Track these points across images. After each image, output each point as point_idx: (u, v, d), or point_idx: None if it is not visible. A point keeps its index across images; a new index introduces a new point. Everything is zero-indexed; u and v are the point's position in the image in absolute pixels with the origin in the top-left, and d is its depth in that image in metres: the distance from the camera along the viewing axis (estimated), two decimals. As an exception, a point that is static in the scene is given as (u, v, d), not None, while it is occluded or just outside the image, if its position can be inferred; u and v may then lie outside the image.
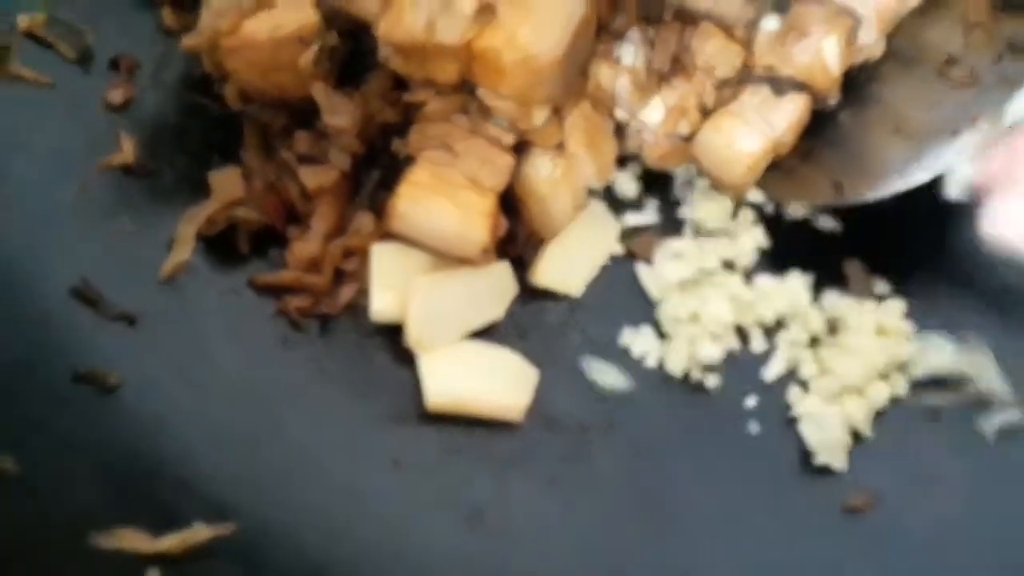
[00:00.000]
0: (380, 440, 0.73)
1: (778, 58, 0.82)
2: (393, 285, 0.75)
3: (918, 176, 0.75)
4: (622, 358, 0.77)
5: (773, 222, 0.82)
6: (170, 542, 0.65)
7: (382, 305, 0.75)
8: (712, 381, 0.76)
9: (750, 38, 0.83)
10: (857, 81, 0.82)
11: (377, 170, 0.77)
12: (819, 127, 0.81)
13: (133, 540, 0.64)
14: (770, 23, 0.81)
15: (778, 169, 0.81)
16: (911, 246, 0.79)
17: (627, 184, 0.84)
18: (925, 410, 0.75)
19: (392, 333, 0.76)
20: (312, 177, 0.74)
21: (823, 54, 0.80)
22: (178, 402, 0.71)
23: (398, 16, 0.68)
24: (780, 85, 0.82)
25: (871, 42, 0.84)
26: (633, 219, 0.83)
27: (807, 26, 0.79)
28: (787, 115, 0.81)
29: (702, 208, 0.82)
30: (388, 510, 0.71)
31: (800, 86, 0.81)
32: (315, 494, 0.71)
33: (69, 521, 0.65)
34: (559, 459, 0.74)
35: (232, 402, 0.72)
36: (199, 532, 0.65)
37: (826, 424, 0.74)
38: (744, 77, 0.82)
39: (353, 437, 0.73)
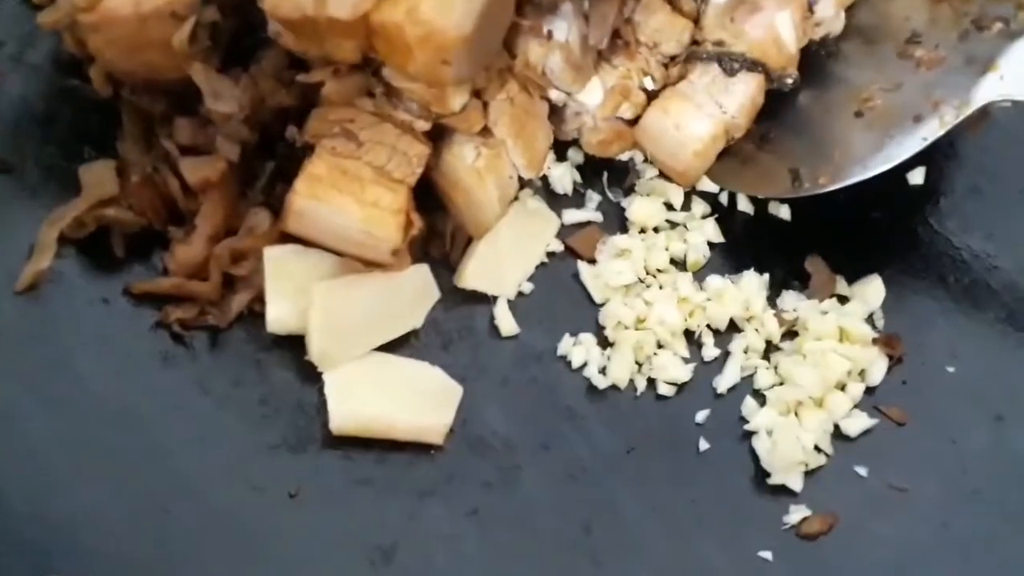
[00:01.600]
0: (276, 470, 0.65)
1: (729, 34, 0.75)
2: (292, 292, 0.67)
3: (880, 165, 0.70)
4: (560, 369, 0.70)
5: (726, 214, 0.75)
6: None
7: (279, 315, 0.67)
8: (660, 391, 0.70)
9: (698, 12, 0.77)
10: (816, 60, 0.76)
11: (272, 160, 0.68)
12: (776, 110, 0.76)
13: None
14: (719, -6, 0.74)
15: (731, 156, 0.76)
16: (873, 238, 0.73)
17: (564, 176, 0.76)
18: (888, 423, 0.68)
19: (292, 346, 0.68)
20: (195, 170, 0.65)
21: (777, 29, 0.75)
22: (36, 429, 0.62)
23: (284, -13, 0.60)
24: (731, 63, 0.75)
25: (830, 16, 0.77)
26: (572, 215, 0.76)
27: None
28: (739, 96, 0.75)
29: (644, 203, 0.75)
30: (283, 550, 0.63)
31: (753, 64, 0.75)
32: (199, 533, 0.62)
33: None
34: (483, 486, 0.66)
35: (102, 427, 0.63)
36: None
37: (782, 440, 0.67)
38: (692, 55, 0.76)
39: (244, 467, 0.65)
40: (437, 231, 0.72)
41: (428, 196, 0.70)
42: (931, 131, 0.68)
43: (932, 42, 0.72)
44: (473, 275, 0.72)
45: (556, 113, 0.76)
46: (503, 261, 0.72)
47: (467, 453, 0.67)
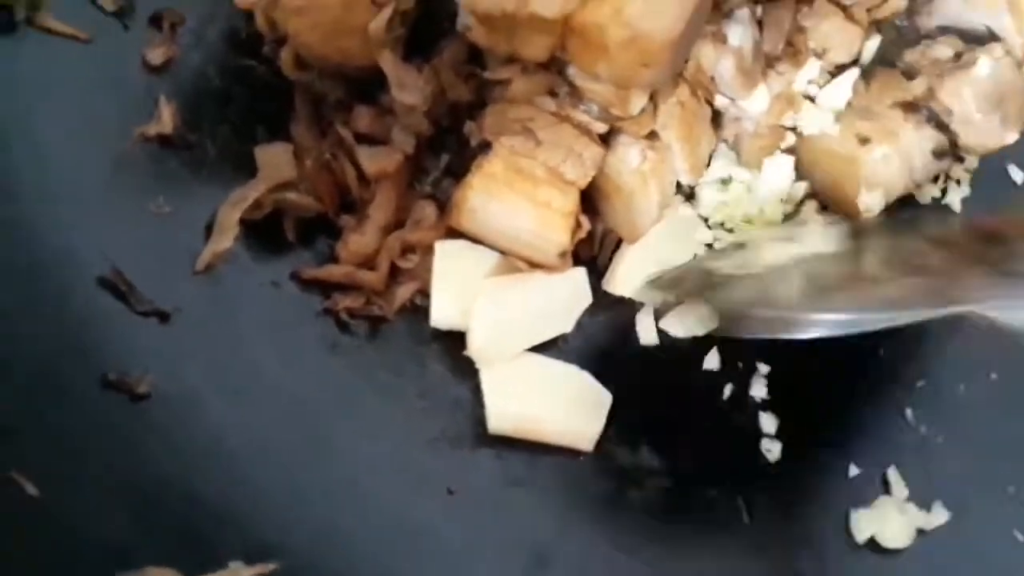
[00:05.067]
0: (435, 464, 0.65)
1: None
2: (457, 288, 0.66)
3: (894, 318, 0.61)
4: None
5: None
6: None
7: (443, 309, 0.66)
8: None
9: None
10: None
11: (445, 155, 0.67)
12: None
13: (164, 582, 0.56)
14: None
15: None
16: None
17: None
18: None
19: (451, 341, 0.67)
20: (373, 159, 0.65)
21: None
22: (213, 415, 0.62)
23: (487, -20, 0.59)
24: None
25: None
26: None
27: None
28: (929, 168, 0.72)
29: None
30: (444, 547, 0.63)
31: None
32: (364, 526, 0.63)
33: (93, 556, 0.56)
34: (629, 493, 0.66)
35: (273, 415, 0.63)
36: (238, 573, 0.57)
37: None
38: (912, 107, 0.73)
39: (405, 460, 0.64)
40: (589, 233, 0.71)
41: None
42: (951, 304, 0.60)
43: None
44: (623, 281, 0.70)
45: (715, 119, 0.75)
46: (653, 269, 0.71)
47: (613, 459, 0.66)
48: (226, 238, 0.64)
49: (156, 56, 0.67)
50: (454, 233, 0.67)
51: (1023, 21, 0.75)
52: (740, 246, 0.71)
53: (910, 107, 0.75)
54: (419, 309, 0.67)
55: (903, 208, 0.74)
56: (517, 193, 0.64)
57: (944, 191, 0.78)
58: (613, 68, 0.59)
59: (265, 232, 0.67)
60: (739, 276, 0.67)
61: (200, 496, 0.60)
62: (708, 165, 0.74)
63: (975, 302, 0.59)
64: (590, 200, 0.70)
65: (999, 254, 0.66)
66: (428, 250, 0.66)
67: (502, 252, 0.67)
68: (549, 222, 0.64)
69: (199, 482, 0.60)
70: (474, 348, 0.66)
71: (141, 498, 0.59)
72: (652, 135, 0.69)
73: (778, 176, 0.75)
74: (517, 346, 0.67)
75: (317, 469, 0.63)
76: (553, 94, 0.64)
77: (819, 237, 0.69)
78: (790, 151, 0.75)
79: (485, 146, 0.64)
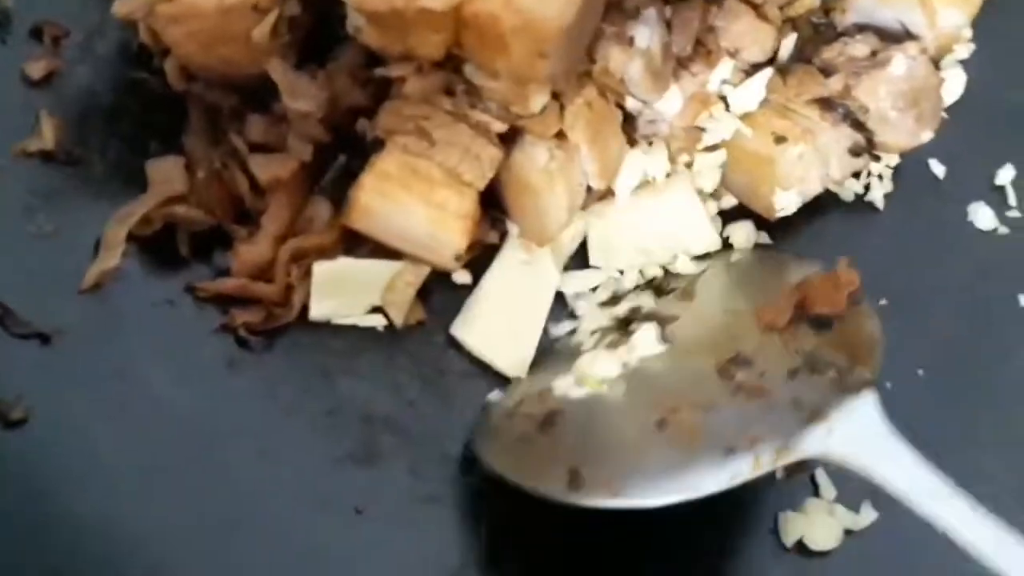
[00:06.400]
0: (342, 484, 0.62)
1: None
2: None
3: (676, 493, 0.58)
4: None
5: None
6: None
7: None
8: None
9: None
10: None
11: (342, 156, 0.66)
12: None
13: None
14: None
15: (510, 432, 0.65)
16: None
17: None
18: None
19: (360, 354, 0.65)
20: (265, 167, 0.63)
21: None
22: (99, 440, 0.60)
23: (373, -22, 0.57)
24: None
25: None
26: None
27: None
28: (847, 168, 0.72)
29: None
30: (351, 570, 0.60)
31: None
32: (264, 550, 0.60)
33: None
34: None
35: (165, 439, 0.61)
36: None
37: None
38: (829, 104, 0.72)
39: (310, 480, 0.62)
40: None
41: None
42: (742, 470, 0.58)
43: (758, 370, 0.63)
44: (471, 327, 0.68)
45: (629, 122, 0.73)
46: (501, 316, 0.69)
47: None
48: (112, 255, 0.61)
49: (36, 70, 0.65)
50: (350, 233, 0.65)
51: (933, 15, 0.75)
52: (576, 349, 0.69)
53: (827, 104, 0.74)
54: (324, 324, 0.65)
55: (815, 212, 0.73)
56: (412, 194, 0.62)
57: (867, 187, 0.77)
58: (509, 62, 0.58)
59: (160, 248, 0.64)
60: (566, 411, 0.64)
61: (87, 524, 0.57)
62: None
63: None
64: (500, 200, 0.69)
65: (817, 345, 0.63)
66: (323, 255, 0.64)
67: (398, 252, 0.65)
68: (444, 224, 0.62)
69: (84, 509, 0.57)
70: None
71: (25, 526, 0.55)
72: (561, 136, 0.68)
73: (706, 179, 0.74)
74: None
75: (214, 493, 0.60)
76: (450, 93, 0.62)
77: (649, 338, 0.67)
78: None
79: (379, 144, 0.63)
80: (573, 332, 0.71)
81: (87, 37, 0.67)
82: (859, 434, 0.58)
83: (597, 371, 0.66)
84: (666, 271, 0.73)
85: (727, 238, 0.74)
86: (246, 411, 0.62)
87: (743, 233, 0.74)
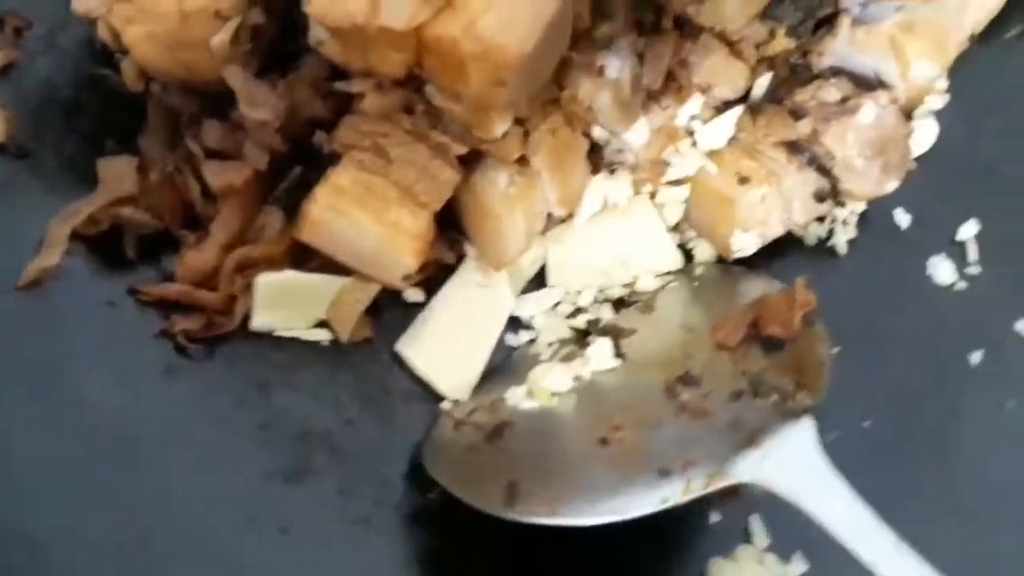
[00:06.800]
0: (270, 500, 0.61)
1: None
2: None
3: (606, 514, 0.58)
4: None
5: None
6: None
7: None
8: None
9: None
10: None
11: (298, 167, 0.65)
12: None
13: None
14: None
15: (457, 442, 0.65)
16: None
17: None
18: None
19: (300, 368, 0.65)
20: (218, 174, 0.62)
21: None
22: (24, 439, 0.59)
23: (336, -9, 0.57)
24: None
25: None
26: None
27: None
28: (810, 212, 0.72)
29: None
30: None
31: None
32: (187, 563, 0.59)
33: None
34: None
35: (93, 444, 0.60)
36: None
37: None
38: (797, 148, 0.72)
39: (238, 494, 0.61)
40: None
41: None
42: (673, 493, 0.57)
43: (704, 390, 0.63)
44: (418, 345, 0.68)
45: (596, 151, 0.73)
46: (450, 337, 0.69)
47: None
48: (53, 253, 0.61)
49: (-6, 59, 0.64)
50: (300, 246, 0.64)
51: (907, 67, 0.75)
52: (533, 360, 0.68)
53: (794, 147, 0.74)
54: (267, 335, 0.64)
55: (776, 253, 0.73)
56: (365, 211, 0.62)
57: (830, 232, 0.76)
58: (469, 87, 0.57)
59: (107, 248, 0.64)
60: (515, 423, 0.64)
61: (10, 531, 0.56)
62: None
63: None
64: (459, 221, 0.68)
65: (764, 367, 0.63)
66: (271, 266, 0.64)
67: (349, 267, 0.64)
68: (395, 243, 0.62)
69: (6, 513, 0.56)
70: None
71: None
72: (523, 161, 0.68)
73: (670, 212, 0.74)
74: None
75: (137, 503, 0.60)
76: (410, 112, 0.62)
77: (603, 352, 0.67)
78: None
79: (335, 158, 0.62)
80: (532, 342, 0.70)
81: (50, 30, 0.66)
82: (792, 462, 0.58)
83: (549, 384, 0.66)
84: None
85: (691, 249, 0.74)
86: (179, 419, 0.62)
87: (707, 246, 0.74)
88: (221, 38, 0.59)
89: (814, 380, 0.61)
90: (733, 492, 0.61)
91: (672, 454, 0.59)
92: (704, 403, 0.62)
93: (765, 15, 0.72)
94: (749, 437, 0.59)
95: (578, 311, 0.72)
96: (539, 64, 0.59)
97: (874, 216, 0.76)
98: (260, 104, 0.61)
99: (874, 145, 0.73)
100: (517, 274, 0.72)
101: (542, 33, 0.56)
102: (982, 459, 0.69)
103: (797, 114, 0.75)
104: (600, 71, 0.68)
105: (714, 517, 0.65)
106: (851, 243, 0.76)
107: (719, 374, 0.63)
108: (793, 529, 0.64)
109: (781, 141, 0.73)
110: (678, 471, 0.58)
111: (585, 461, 0.60)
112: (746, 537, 0.65)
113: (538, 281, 0.72)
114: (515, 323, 0.71)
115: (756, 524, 0.65)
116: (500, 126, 0.63)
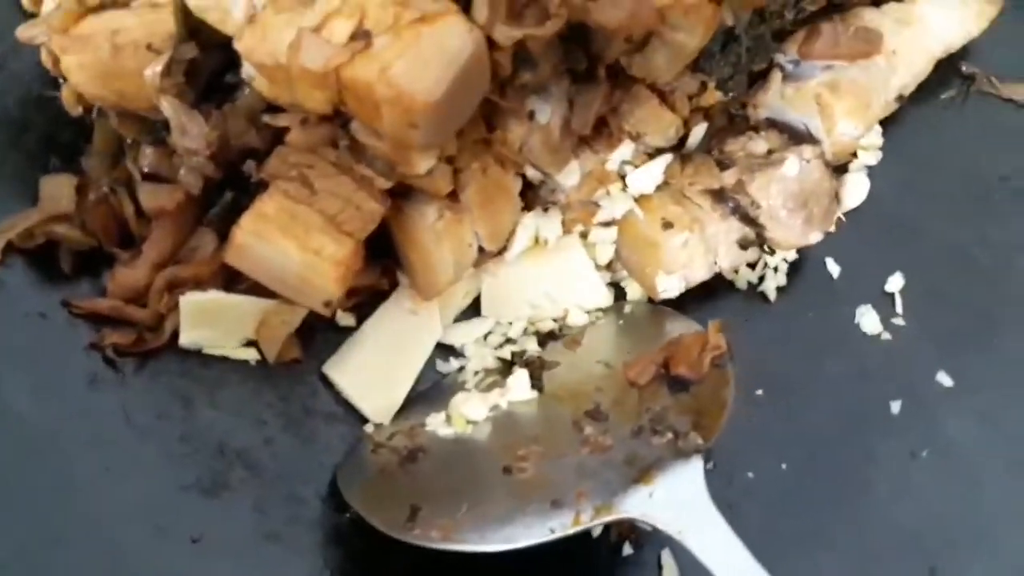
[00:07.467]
0: (184, 512, 0.63)
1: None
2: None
3: (499, 543, 0.59)
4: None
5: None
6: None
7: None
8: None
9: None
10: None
11: (231, 192, 0.68)
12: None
13: None
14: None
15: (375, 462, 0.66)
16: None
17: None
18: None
19: (224, 385, 0.67)
20: (152, 196, 0.65)
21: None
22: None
23: (262, 33, 0.60)
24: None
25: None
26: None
27: None
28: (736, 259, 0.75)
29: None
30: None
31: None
32: (97, 570, 0.60)
33: None
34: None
35: (12, 450, 0.61)
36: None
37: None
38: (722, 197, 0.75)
39: (153, 505, 0.63)
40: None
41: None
42: (562, 525, 0.59)
43: (608, 425, 0.64)
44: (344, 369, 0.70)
45: (531, 189, 0.76)
46: (378, 362, 0.71)
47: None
48: (-16, 263, 0.63)
49: (-57, 77, 0.67)
50: (231, 268, 0.66)
51: (832, 123, 0.77)
52: (459, 387, 0.70)
53: (719, 196, 0.76)
54: (196, 352, 0.66)
55: (707, 296, 0.75)
56: (287, 237, 0.64)
57: (761, 278, 0.78)
58: (385, 126, 0.60)
59: (43, 261, 0.66)
60: (430, 449, 0.66)
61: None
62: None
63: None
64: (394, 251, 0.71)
65: (667, 406, 0.65)
66: (199, 286, 0.66)
67: (273, 292, 0.66)
68: (317, 270, 0.64)
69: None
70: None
71: None
72: (453, 196, 0.70)
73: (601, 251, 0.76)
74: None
75: (50, 509, 0.61)
76: (335, 145, 0.64)
77: (522, 383, 0.69)
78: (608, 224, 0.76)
79: (264, 186, 0.65)
80: (462, 370, 0.72)
81: (3, 53, 0.69)
82: (679, 500, 0.59)
83: (466, 411, 0.68)
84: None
85: (624, 287, 0.76)
86: (99, 428, 0.64)
87: (637, 285, 0.76)
88: (153, 70, 0.61)
89: (712, 421, 0.63)
90: (632, 529, 0.63)
91: (568, 485, 0.60)
92: (605, 438, 0.63)
93: (695, 68, 0.74)
94: (640, 473, 0.60)
95: (508, 341, 0.74)
96: (453, 108, 0.61)
97: (806, 264, 0.79)
98: (190, 134, 0.63)
99: (797, 197, 0.76)
100: (449, 303, 0.75)
101: (451, 82, 0.58)
102: (893, 505, 0.71)
103: (724, 164, 0.77)
104: (530, 115, 0.71)
105: (627, 550, 0.67)
106: (781, 290, 0.78)
107: (625, 411, 0.65)
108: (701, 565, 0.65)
109: (707, 189, 0.76)
110: (570, 503, 0.60)
111: (487, 489, 0.62)
112: (658, 571, 0.66)
113: (474, 310, 0.74)
114: (447, 350, 0.73)
115: (667, 558, 0.66)
116: (423, 163, 0.65)
